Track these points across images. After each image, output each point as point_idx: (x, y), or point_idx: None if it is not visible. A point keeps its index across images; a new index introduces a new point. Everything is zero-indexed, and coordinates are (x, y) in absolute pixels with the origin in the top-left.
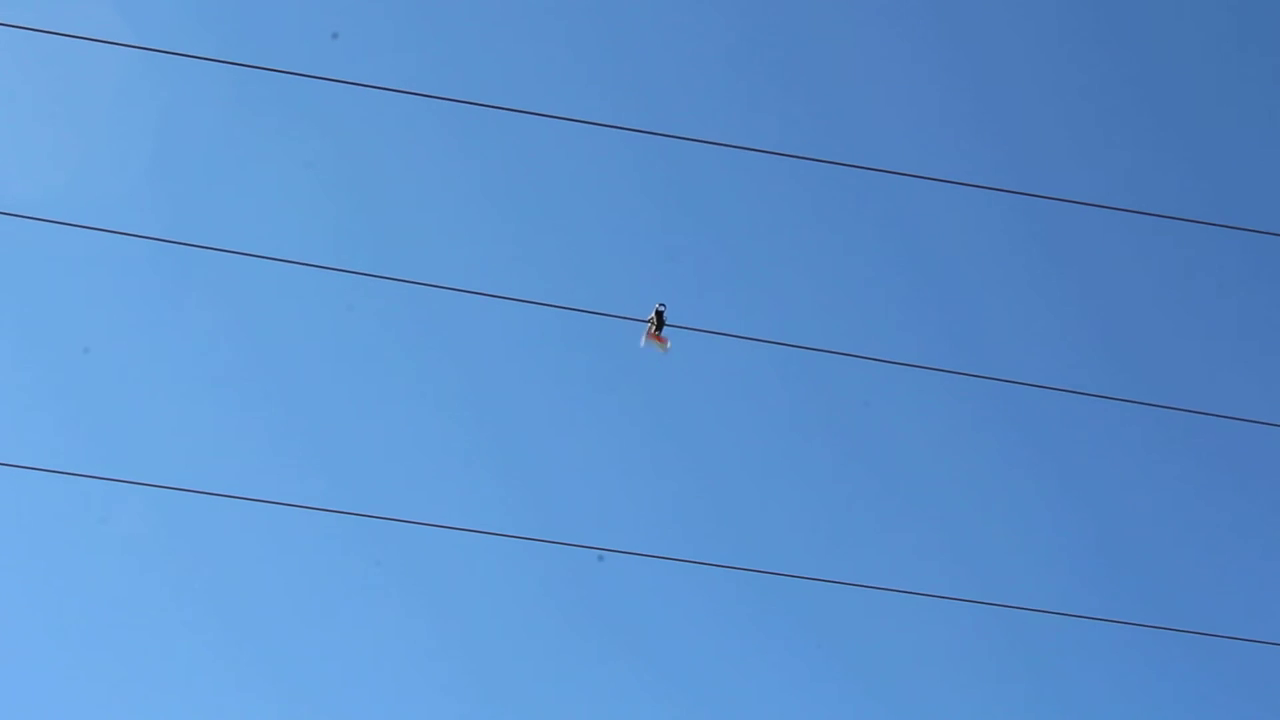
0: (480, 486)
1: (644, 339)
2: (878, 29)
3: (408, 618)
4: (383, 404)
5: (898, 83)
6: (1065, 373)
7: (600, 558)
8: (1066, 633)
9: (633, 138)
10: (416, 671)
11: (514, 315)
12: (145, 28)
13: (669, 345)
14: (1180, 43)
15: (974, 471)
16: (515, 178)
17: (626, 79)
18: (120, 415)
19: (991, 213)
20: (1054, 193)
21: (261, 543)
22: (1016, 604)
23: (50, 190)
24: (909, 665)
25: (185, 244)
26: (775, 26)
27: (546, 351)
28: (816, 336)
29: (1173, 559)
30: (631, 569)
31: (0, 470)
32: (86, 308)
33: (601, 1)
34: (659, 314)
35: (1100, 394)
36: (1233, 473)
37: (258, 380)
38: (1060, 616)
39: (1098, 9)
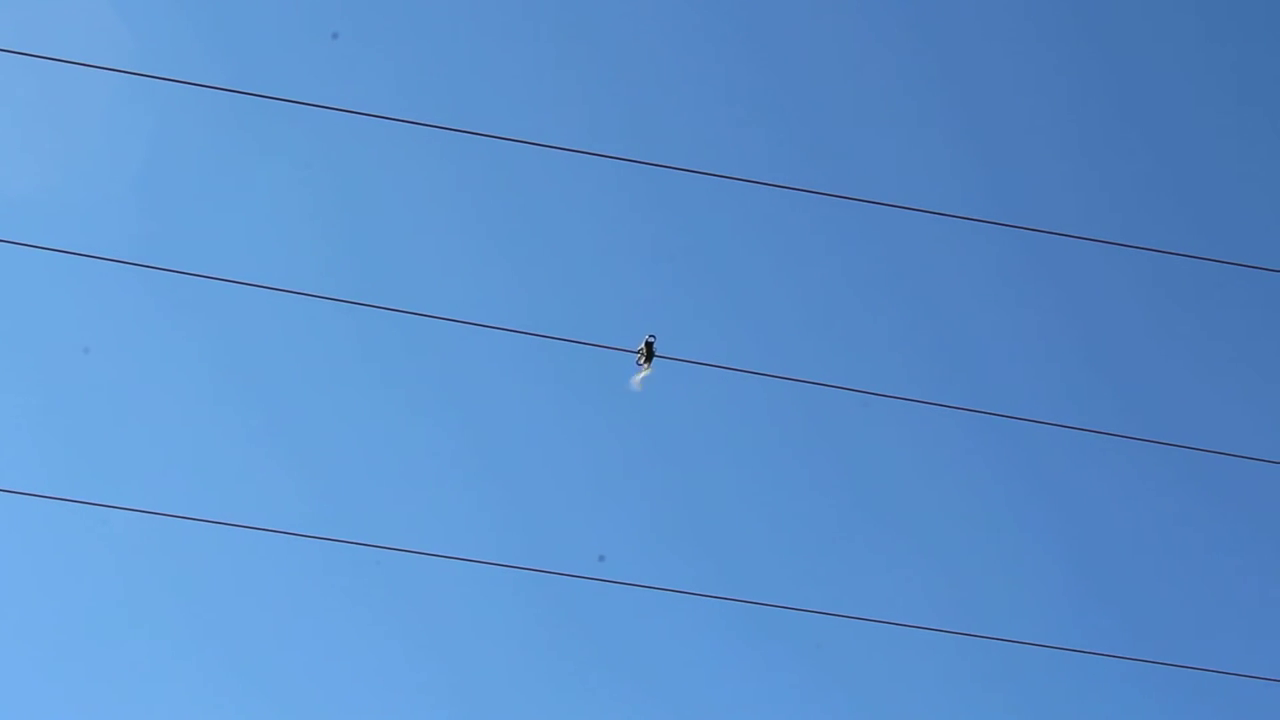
0: (473, 510)
1: (638, 377)
2: (872, 60)
3: (399, 639)
4: (373, 425)
5: (889, 112)
6: (1055, 403)
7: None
8: (1056, 666)
9: (623, 165)
10: (406, 695)
11: (505, 341)
12: (143, 25)
13: (642, 379)
14: (1171, 75)
15: (964, 502)
16: (511, 200)
17: (618, 104)
18: (108, 433)
19: (982, 243)
20: (1047, 224)
21: (251, 561)
22: (1006, 636)
23: (41, 198)
24: (904, 693)
25: (171, 270)
26: (768, 56)
27: (537, 378)
28: (808, 365)
29: (1163, 592)
30: (621, 595)
31: None
32: (70, 323)
33: (595, 27)
34: (649, 345)
35: (1091, 429)
36: (1224, 506)
37: (245, 400)
38: (1051, 650)
39: (1089, 42)
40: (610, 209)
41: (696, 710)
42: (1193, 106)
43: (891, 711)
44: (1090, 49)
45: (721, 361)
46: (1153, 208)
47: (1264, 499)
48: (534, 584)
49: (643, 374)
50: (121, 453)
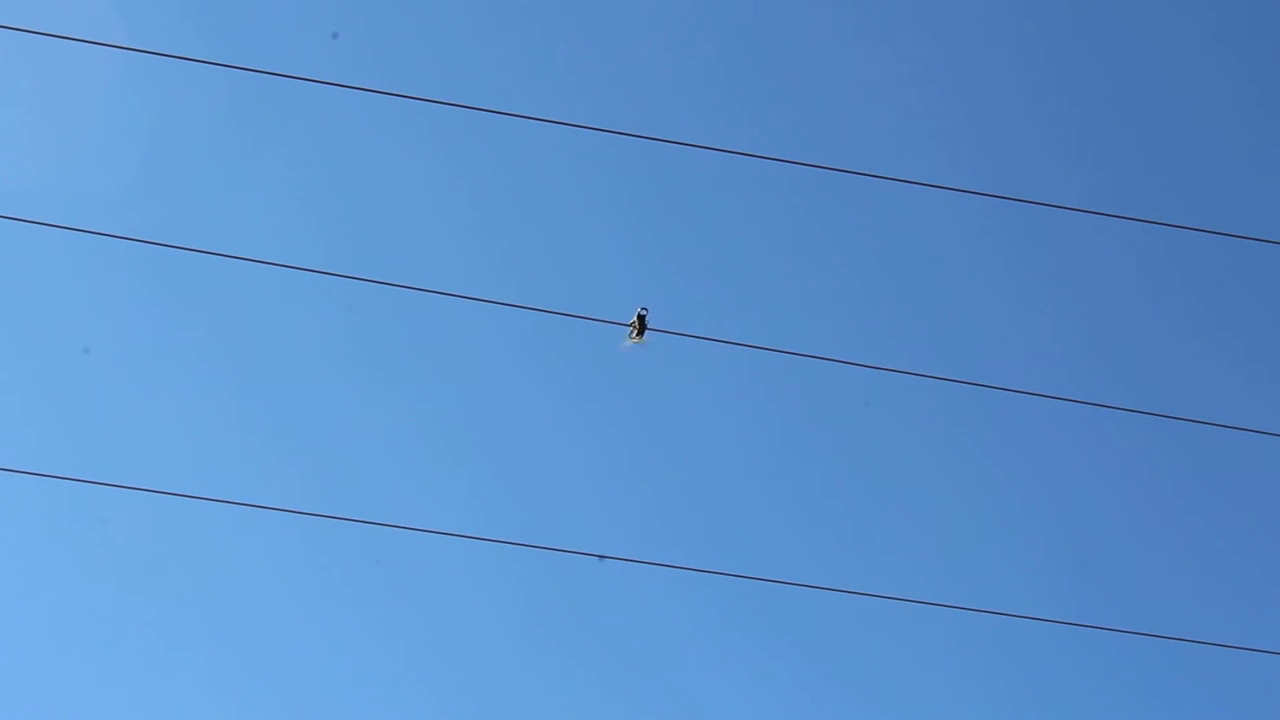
0: (469, 491)
1: (625, 342)
2: (864, 32)
3: (397, 623)
4: (373, 408)
5: (885, 86)
6: (1051, 378)
7: (600, 559)
8: (1052, 639)
9: (620, 141)
10: (404, 678)
11: (502, 319)
12: (140, 25)
13: (632, 342)
14: (1166, 48)
15: (961, 478)
16: (507, 181)
17: (615, 82)
18: (109, 419)
19: (980, 217)
20: (1041, 198)
21: (253, 547)
22: (1003, 610)
23: (39, 190)
24: (897, 672)
25: (172, 246)
26: (762, 30)
27: (534, 356)
28: (803, 342)
29: (1158, 565)
30: (620, 575)
31: None
32: (75, 310)
33: (591, 5)
34: (641, 318)
35: (1086, 400)
36: (1219, 479)
37: (247, 384)
38: (1046, 623)
39: (1083, 14)
40: (606, 186)
41: (697, 694)
42: (1190, 79)
43: (891, 689)
44: (1087, 22)
45: (717, 336)
46: (1151, 181)
47: (1261, 473)
48: (533, 569)
49: (632, 342)
50: (121, 440)
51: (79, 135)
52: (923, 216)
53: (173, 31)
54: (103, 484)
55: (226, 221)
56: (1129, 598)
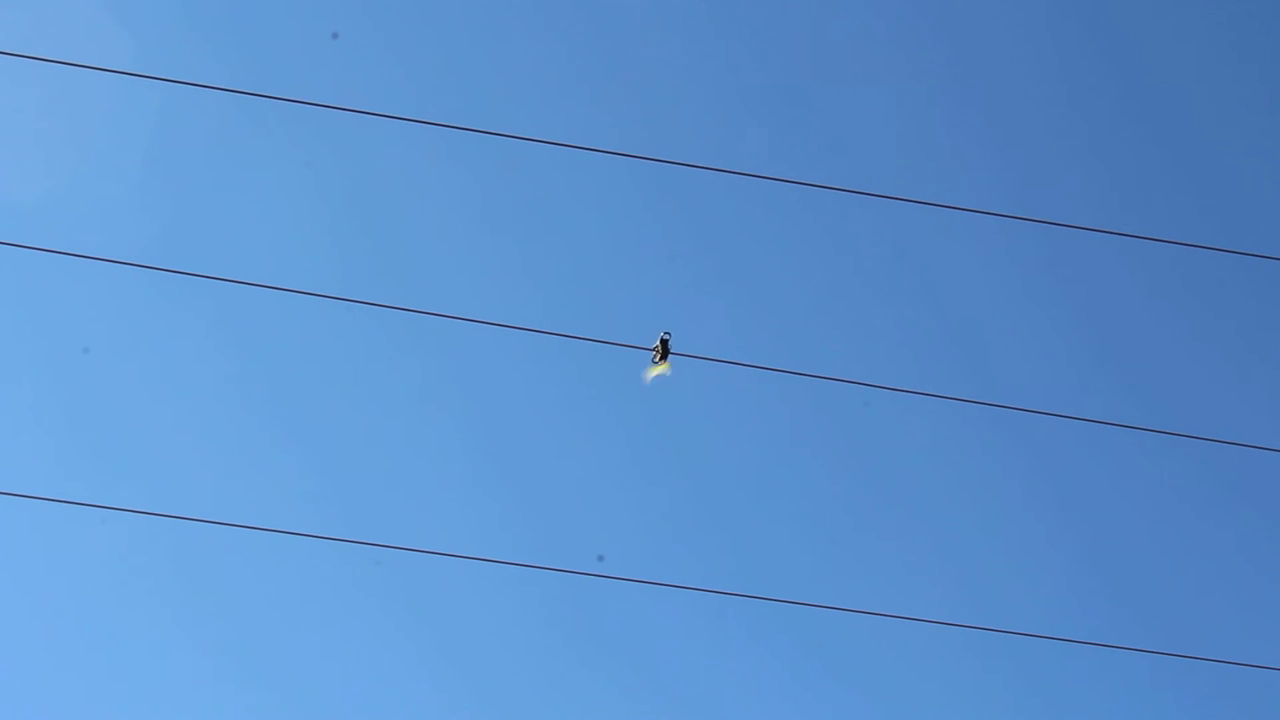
0: (477, 507)
1: (650, 371)
2: (880, 52)
3: (398, 637)
4: (379, 424)
5: (898, 105)
6: (1064, 395)
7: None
8: (1065, 657)
9: (632, 161)
10: (411, 693)
11: (513, 337)
12: (142, 24)
13: (655, 375)
14: (1179, 64)
15: (973, 495)
16: (518, 198)
17: (628, 100)
18: (113, 433)
19: (992, 236)
20: (1054, 216)
21: (254, 561)
22: (1015, 629)
23: (39, 202)
24: (908, 689)
25: (175, 271)
26: (778, 50)
27: (544, 373)
28: (815, 360)
29: (1179, 583)
30: (628, 591)
31: None
32: (72, 324)
33: (605, 23)
34: (664, 342)
35: (1100, 420)
36: (1232, 496)
37: (248, 399)
38: (1060, 642)
39: (1097, 31)
40: (619, 205)
41: (702, 707)
42: (1201, 95)
43: (900, 707)
44: (1097, 40)
45: (729, 357)
46: (1163, 198)
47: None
48: (538, 581)
49: (657, 370)
50: (126, 453)
51: (82, 147)
52: (937, 235)
53: (173, 31)
54: (103, 506)
55: (233, 231)
56: (1150, 616)
